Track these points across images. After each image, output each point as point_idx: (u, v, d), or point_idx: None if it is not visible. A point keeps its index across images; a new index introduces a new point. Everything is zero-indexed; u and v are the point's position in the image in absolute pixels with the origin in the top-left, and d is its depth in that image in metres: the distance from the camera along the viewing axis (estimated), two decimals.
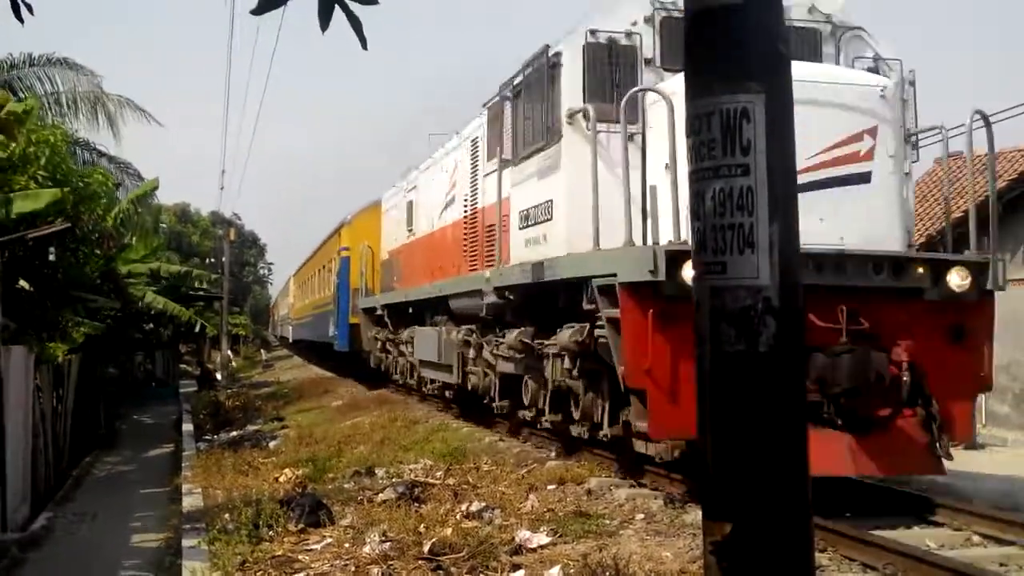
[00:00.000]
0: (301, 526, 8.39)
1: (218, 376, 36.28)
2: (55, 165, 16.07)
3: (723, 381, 2.50)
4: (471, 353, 13.47)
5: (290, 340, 51.86)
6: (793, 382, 2.52)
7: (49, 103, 20.76)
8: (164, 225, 29.17)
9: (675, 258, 7.59)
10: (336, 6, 3.38)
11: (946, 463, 8.30)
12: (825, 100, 8.26)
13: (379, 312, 20.73)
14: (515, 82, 10.99)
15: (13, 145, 13.91)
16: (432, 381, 16.64)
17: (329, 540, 7.95)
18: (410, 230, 18.53)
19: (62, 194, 14.35)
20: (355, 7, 3.43)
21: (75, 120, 21.63)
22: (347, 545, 7.70)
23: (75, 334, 17.16)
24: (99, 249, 19.16)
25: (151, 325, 28.93)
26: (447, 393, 16.12)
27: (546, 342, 10.26)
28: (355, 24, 3.41)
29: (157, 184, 24.38)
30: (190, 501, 11.08)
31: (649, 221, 8.89)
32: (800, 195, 2.61)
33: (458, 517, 8.40)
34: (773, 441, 2.44)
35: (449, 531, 7.75)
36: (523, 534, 7.53)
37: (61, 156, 16.69)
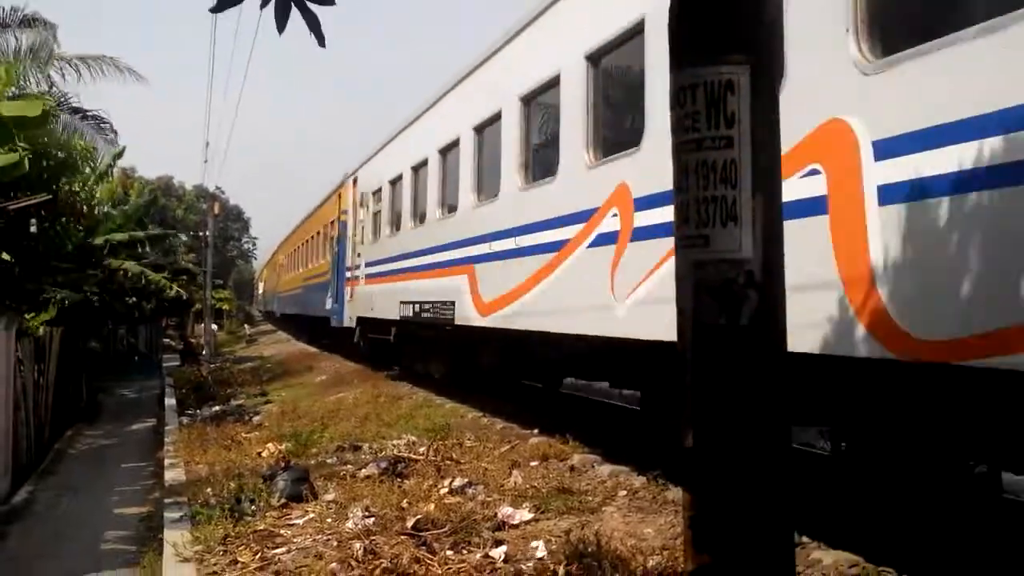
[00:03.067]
0: (283, 501, 8.38)
1: (204, 352, 35.98)
2: (34, 136, 15.89)
3: (704, 354, 2.48)
4: None
5: (276, 314, 52.17)
6: (774, 356, 2.50)
7: (22, 62, 20.29)
8: (137, 199, 28.54)
9: None
10: (293, 6, 3.46)
11: None
12: None
13: None
14: None
15: None
16: None
17: (312, 515, 7.95)
18: None
19: (18, 158, 14.19)
20: (313, 7, 3.52)
21: (45, 77, 21.18)
22: (330, 520, 7.70)
23: (54, 306, 17.08)
24: (74, 221, 18.97)
25: (133, 299, 28.79)
26: None
27: None
28: (312, 22, 3.52)
29: (121, 151, 23.99)
30: (172, 475, 11.06)
31: None
32: None
33: (441, 493, 8.40)
34: (753, 414, 2.43)
35: (432, 507, 7.75)
36: (506, 510, 7.53)
37: (42, 129, 16.49)
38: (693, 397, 2.48)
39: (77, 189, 19.03)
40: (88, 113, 22.55)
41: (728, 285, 2.44)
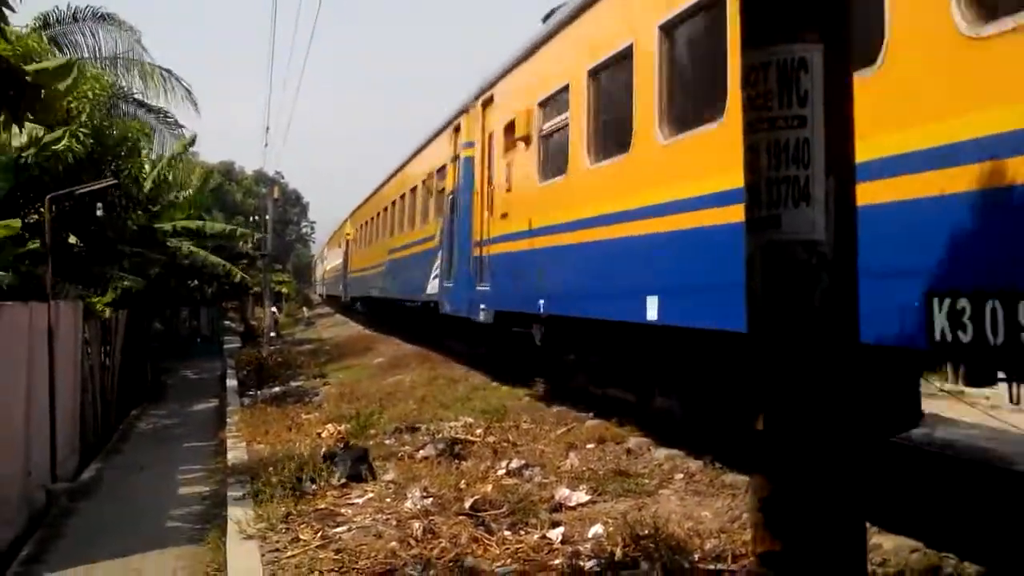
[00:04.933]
0: (343, 481, 8.50)
1: (273, 334, 36.16)
2: (96, 122, 16.27)
3: (775, 336, 2.46)
4: None
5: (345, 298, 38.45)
6: (847, 338, 2.47)
7: (92, 59, 20.78)
8: (200, 183, 29.13)
9: None
10: None
11: None
12: None
13: None
14: None
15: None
16: None
17: (371, 495, 8.04)
18: None
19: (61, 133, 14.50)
20: None
21: (116, 75, 21.62)
22: (389, 500, 7.79)
23: (114, 290, 17.44)
24: (139, 207, 19.38)
25: (195, 282, 29.28)
26: None
27: None
28: None
29: (193, 139, 24.44)
30: (235, 455, 11.26)
31: None
32: None
33: (498, 474, 8.45)
34: (825, 397, 2.40)
35: (489, 488, 7.80)
36: (563, 492, 7.56)
37: (101, 112, 16.86)
38: (764, 380, 2.46)
39: (135, 173, 19.36)
40: (153, 107, 23.03)
41: (800, 266, 2.41)
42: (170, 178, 23.62)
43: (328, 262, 51.17)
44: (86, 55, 20.41)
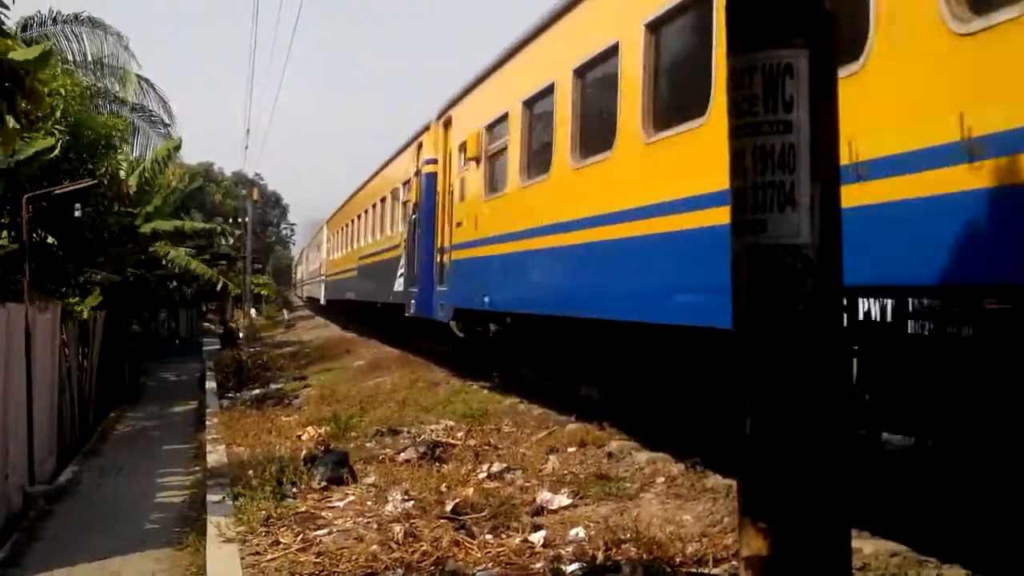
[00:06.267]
0: (324, 484, 8.47)
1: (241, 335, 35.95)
2: (71, 117, 16.20)
3: (760, 340, 2.47)
4: None
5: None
6: (831, 341, 2.48)
7: (76, 62, 20.77)
8: (182, 187, 29.14)
9: None
10: None
11: None
12: None
13: None
14: None
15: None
16: None
17: (352, 498, 8.02)
18: None
19: (54, 141, 14.44)
20: None
21: (101, 78, 21.62)
22: (370, 503, 7.76)
23: (96, 292, 17.31)
24: (119, 203, 19.29)
25: (174, 283, 29.16)
26: None
27: None
28: None
29: (179, 144, 24.50)
30: (214, 457, 11.20)
31: None
32: None
33: (480, 477, 8.44)
34: (810, 401, 2.42)
35: (471, 491, 7.79)
36: (544, 495, 7.55)
37: (76, 108, 16.79)
38: (749, 383, 2.47)
39: (113, 171, 19.26)
40: (138, 106, 23.18)
41: (785, 270, 2.42)
42: (154, 180, 23.65)
43: (333, 249, 35.38)
44: (70, 58, 20.43)
